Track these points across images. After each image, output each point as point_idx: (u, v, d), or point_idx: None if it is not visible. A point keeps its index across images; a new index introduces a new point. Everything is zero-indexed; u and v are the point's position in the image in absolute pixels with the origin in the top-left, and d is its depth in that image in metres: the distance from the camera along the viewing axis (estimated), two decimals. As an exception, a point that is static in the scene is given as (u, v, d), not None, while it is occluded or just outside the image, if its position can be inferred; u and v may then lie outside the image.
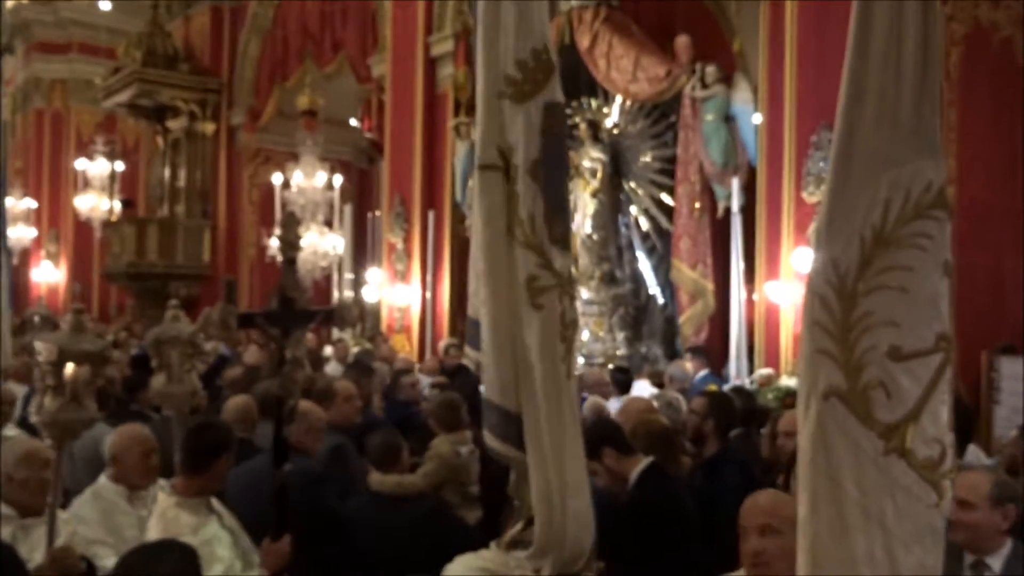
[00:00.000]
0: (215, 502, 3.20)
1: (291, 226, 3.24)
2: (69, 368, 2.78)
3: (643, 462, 3.63)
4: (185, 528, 2.93)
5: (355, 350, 9.82)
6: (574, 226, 9.34)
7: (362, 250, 14.01)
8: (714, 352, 8.65)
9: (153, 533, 2.98)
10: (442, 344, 10.03)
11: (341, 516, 3.86)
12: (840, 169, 1.59)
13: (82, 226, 18.91)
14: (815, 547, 1.56)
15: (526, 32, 2.33)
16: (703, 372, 7.89)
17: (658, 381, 7.25)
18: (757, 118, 8.34)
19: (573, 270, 2.40)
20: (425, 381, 7.42)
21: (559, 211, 2.34)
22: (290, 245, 3.25)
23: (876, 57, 1.56)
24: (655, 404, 4.98)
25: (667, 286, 9.67)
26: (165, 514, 3.04)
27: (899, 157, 1.54)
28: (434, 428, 4.60)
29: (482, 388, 2.55)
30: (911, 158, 1.53)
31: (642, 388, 6.57)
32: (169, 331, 3.97)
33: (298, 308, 3.25)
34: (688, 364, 7.66)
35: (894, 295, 1.52)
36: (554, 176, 2.34)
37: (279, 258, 11.85)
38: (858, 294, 1.52)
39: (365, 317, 12.36)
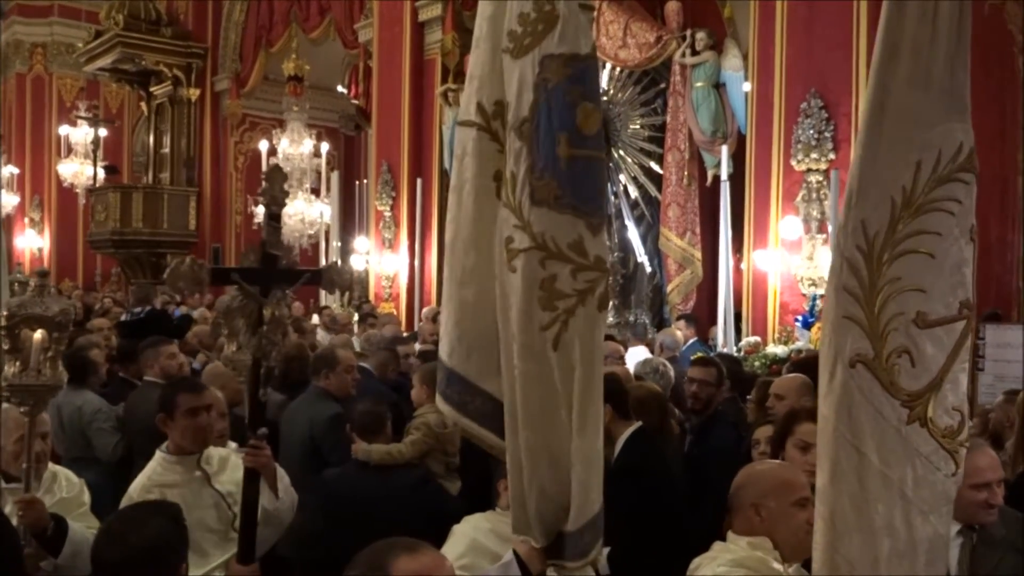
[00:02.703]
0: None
1: (276, 179, 3.04)
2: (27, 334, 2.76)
3: (632, 426, 3.63)
4: None
5: (356, 319, 9.76)
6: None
7: (350, 218, 13.93)
8: (701, 320, 8.67)
9: None
10: (426, 311, 10.00)
11: (324, 484, 3.83)
12: (872, 127, 1.55)
13: (65, 193, 18.68)
14: (835, 516, 1.55)
15: None
16: (691, 340, 7.91)
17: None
18: (746, 86, 8.30)
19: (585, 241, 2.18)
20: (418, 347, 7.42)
21: (550, 170, 2.16)
22: (274, 199, 3.05)
23: (913, 13, 1.52)
24: (643, 369, 4.98)
25: (655, 254, 9.67)
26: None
27: (931, 118, 1.51)
28: (420, 397, 4.54)
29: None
30: (942, 119, 1.51)
31: (638, 354, 6.56)
32: (236, 301, 3.90)
33: (281, 267, 3.12)
34: (679, 332, 7.68)
35: (921, 260, 1.50)
36: (547, 134, 2.15)
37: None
38: (886, 259, 1.50)
39: (354, 284, 12.31)
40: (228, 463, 3.30)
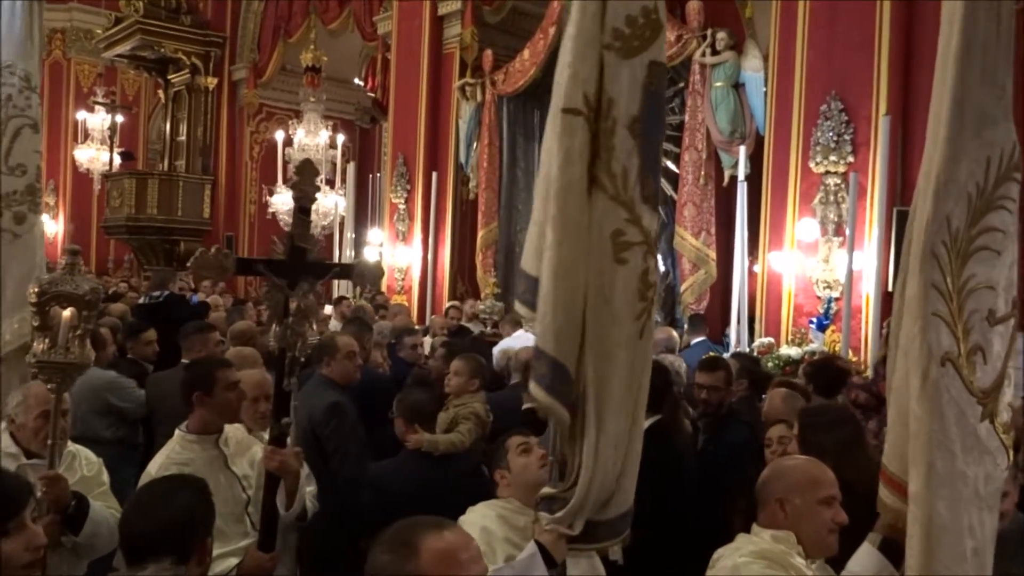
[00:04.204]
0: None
1: (307, 173, 3.07)
2: (57, 312, 2.78)
3: (652, 419, 3.65)
4: None
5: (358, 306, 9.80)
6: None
7: (363, 210, 13.95)
8: (714, 320, 8.67)
9: None
10: (444, 306, 10.04)
11: (383, 477, 3.81)
12: (953, 123, 1.56)
13: (81, 178, 18.76)
14: (934, 523, 1.54)
15: None
16: (699, 338, 7.91)
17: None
18: (760, 81, 8.27)
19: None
20: (429, 340, 7.44)
21: (652, 170, 2.32)
22: (304, 193, 3.08)
23: (983, 11, 1.55)
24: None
25: (669, 253, 9.66)
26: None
27: (996, 115, 1.54)
28: (460, 386, 4.48)
29: (533, 337, 2.48)
30: (1002, 118, 1.54)
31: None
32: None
33: (310, 259, 3.14)
34: (674, 332, 7.68)
35: (991, 257, 1.52)
36: (651, 135, 2.31)
37: (279, 215, 11.78)
38: (964, 255, 1.51)
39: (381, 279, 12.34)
40: (245, 445, 3.32)
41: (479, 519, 2.72)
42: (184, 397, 3.28)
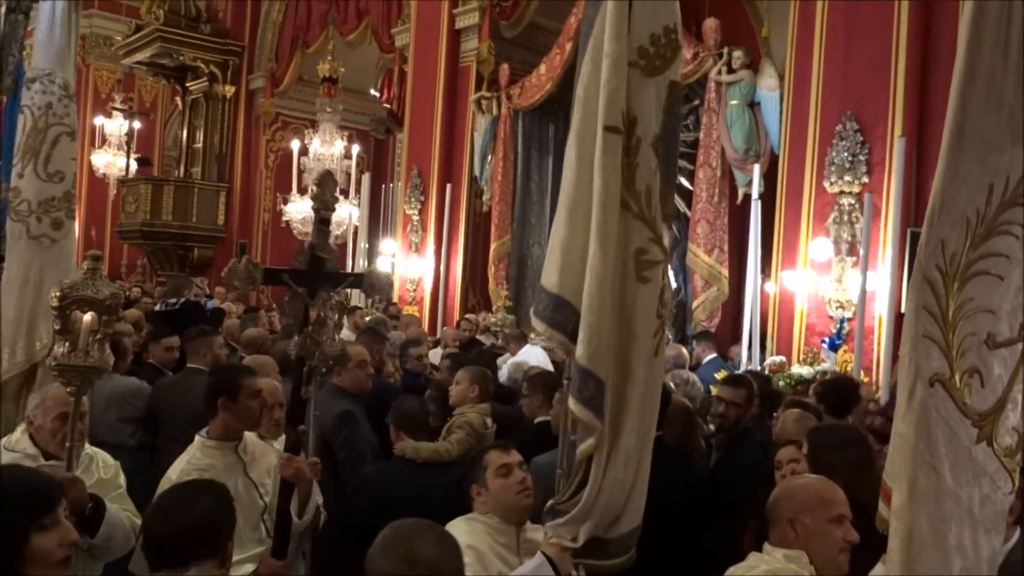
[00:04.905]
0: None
1: (327, 184, 3.13)
2: (78, 316, 2.83)
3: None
4: None
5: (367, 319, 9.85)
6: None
7: (376, 220, 14.02)
8: (725, 338, 8.66)
9: None
10: (455, 318, 10.07)
11: (369, 481, 3.87)
12: (953, 147, 1.59)
13: (96, 182, 18.90)
14: (913, 536, 1.56)
15: (662, 7, 2.33)
16: (710, 356, 7.91)
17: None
18: (775, 97, 8.29)
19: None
20: (437, 351, 7.46)
21: (671, 188, 2.37)
22: (324, 204, 3.14)
23: (989, 39, 1.57)
24: (672, 381, 5.00)
25: (681, 270, 9.67)
26: None
27: (1001, 142, 1.56)
28: (462, 397, 4.55)
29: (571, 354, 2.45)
30: (1009, 145, 1.56)
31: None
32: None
33: (328, 269, 3.19)
34: (684, 349, 7.70)
35: (993, 282, 1.54)
36: (670, 154, 2.34)
37: (293, 223, 11.84)
38: (961, 279, 1.54)
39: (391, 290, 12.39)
40: (263, 453, 3.35)
41: (464, 536, 2.68)
42: (208, 402, 3.32)
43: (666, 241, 2.35)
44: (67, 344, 2.87)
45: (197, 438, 3.30)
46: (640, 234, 2.31)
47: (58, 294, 2.85)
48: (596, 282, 2.29)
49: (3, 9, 3.75)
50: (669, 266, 7.82)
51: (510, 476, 2.81)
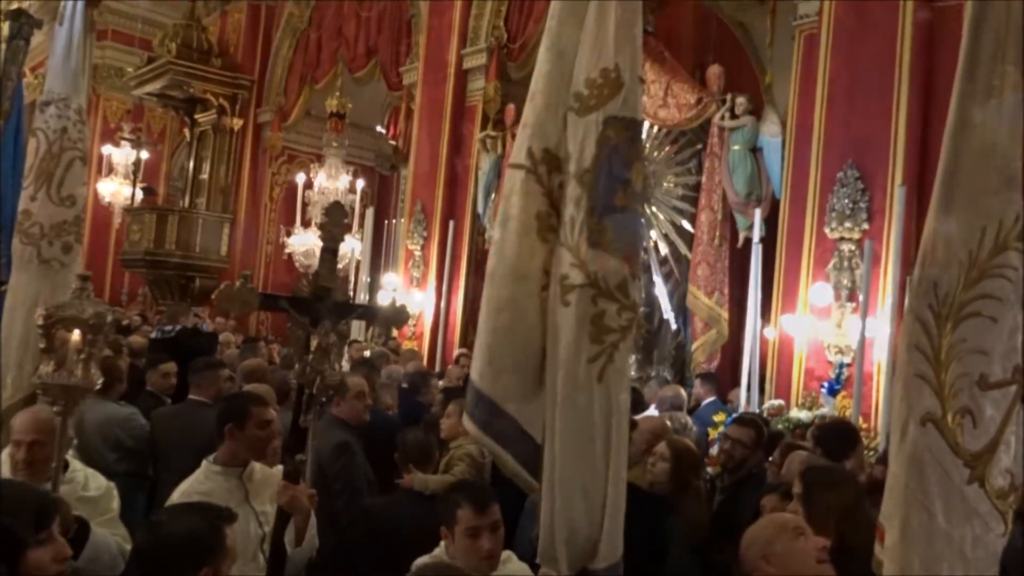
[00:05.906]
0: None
1: (335, 215, 3.15)
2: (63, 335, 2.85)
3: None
4: None
5: (366, 353, 9.85)
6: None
7: (378, 255, 14.07)
8: (724, 381, 8.65)
9: None
10: (454, 354, 10.07)
11: (377, 514, 3.85)
12: (945, 192, 1.63)
13: (101, 210, 19.00)
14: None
15: (599, 53, 2.43)
16: (710, 398, 7.90)
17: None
18: (776, 141, 8.39)
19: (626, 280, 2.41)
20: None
21: (608, 219, 2.40)
22: (331, 235, 3.15)
23: (982, 86, 1.62)
24: (670, 425, 4.99)
25: (681, 311, 9.69)
26: None
27: (995, 186, 1.59)
28: (454, 429, 4.56)
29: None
30: (1004, 188, 1.59)
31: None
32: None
33: (335, 299, 3.16)
34: (682, 390, 7.69)
35: (985, 324, 1.56)
36: (605, 184, 2.40)
37: (295, 256, 11.87)
38: (954, 320, 1.56)
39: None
40: (268, 482, 3.34)
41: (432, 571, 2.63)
42: (217, 428, 3.32)
43: (595, 267, 2.38)
44: (52, 363, 2.88)
45: (204, 463, 3.31)
46: (564, 260, 2.41)
47: (43, 313, 2.87)
48: (493, 303, 2.51)
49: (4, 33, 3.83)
50: (671, 306, 7.85)
51: (478, 540, 2.81)
